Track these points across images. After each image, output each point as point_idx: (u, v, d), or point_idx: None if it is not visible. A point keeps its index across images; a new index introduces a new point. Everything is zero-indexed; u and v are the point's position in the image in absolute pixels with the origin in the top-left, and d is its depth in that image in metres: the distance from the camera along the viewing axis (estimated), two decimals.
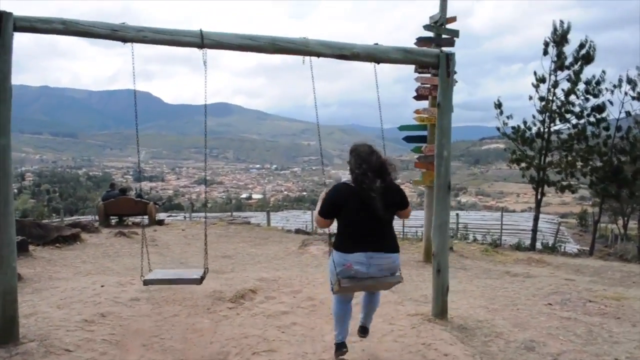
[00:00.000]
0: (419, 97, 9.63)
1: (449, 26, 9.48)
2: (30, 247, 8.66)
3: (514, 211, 49.64)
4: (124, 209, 14.34)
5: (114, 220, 14.82)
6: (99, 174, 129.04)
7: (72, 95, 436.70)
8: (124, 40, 4.37)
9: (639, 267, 10.66)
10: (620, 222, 24.93)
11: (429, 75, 9.43)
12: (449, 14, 9.46)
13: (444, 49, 6.73)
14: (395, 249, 3.87)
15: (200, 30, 4.46)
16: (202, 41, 4.46)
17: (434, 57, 5.08)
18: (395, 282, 3.94)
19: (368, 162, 3.79)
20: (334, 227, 3.93)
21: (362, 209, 3.70)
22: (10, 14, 4.11)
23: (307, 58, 4.78)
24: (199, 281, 4.74)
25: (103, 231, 11.76)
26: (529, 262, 10.53)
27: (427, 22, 9.64)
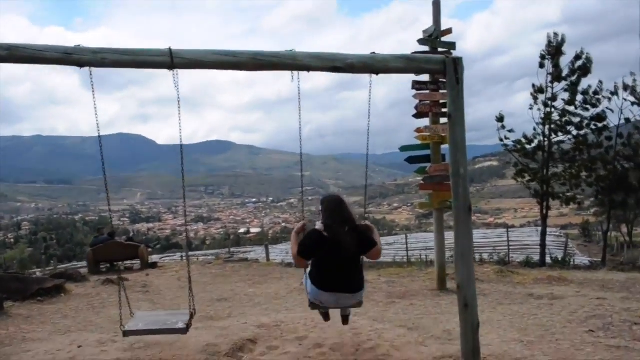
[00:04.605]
0: (419, 115, 9.11)
1: (444, 39, 8.98)
2: (8, 304, 7.93)
3: (513, 226, 48.97)
4: (114, 254, 13.54)
5: (104, 267, 14.05)
6: (95, 218, 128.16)
7: (64, 143, 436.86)
8: (80, 64, 3.75)
9: None
10: (625, 229, 24.52)
11: (427, 91, 8.95)
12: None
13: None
14: (360, 287, 4.35)
15: (170, 49, 3.86)
16: (171, 60, 3.85)
17: (439, 63, 4.48)
18: (357, 304, 4.44)
19: (335, 213, 4.28)
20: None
21: (331, 254, 4.14)
22: None
23: (295, 73, 4.19)
24: (185, 330, 4.35)
25: (91, 279, 11.00)
26: (550, 281, 9.90)
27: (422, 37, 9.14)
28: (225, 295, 9.07)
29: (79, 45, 3.72)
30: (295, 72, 4.16)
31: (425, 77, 9.00)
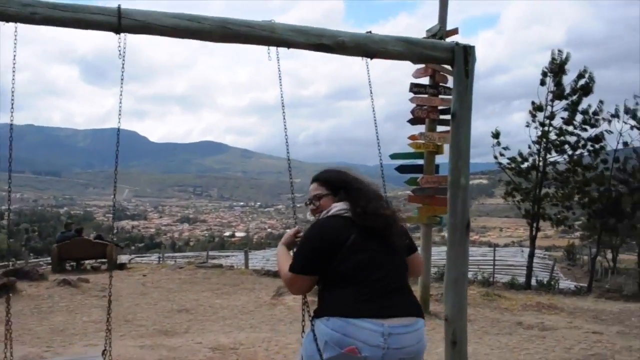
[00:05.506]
0: (414, 121, 8.49)
1: (449, 39, 8.33)
2: None
3: (497, 245, 48.86)
4: (81, 251, 12.81)
5: (70, 265, 13.24)
6: (80, 212, 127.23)
7: (56, 134, 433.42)
8: (4, 18, 3.03)
9: None
10: (609, 255, 24.38)
11: (426, 95, 8.32)
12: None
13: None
14: (420, 310, 2.38)
15: (119, 7, 3.13)
16: (119, 22, 3.12)
17: (446, 50, 3.77)
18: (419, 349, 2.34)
19: (364, 183, 2.55)
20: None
21: (372, 247, 2.30)
22: None
23: (272, 50, 3.47)
24: None
25: (50, 278, 10.18)
26: (539, 309, 9.39)
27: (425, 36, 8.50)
28: (187, 305, 8.32)
29: None
30: (273, 48, 3.44)
31: (425, 80, 8.43)
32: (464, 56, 3.67)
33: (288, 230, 2.71)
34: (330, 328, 2.15)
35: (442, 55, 3.78)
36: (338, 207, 2.41)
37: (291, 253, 2.51)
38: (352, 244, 2.26)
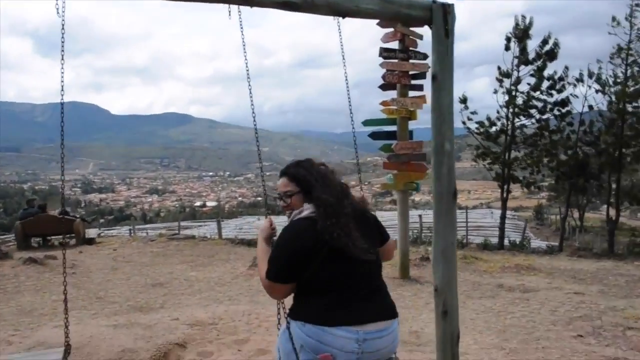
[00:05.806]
0: (385, 86, 8.26)
1: None
2: None
3: (466, 207, 49.74)
4: (47, 228, 12.40)
5: (36, 242, 12.86)
6: (45, 187, 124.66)
7: (13, 110, 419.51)
8: None
9: (632, 267, 10.21)
10: (576, 214, 24.94)
11: (396, 60, 8.12)
12: None
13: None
14: (395, 311, 2.39)
15: None
16: None
17: (424, 9, 3.56)
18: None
19: (330, 181, 2.46)
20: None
21: (340, 252, 2.25)
22: None
23: (234, 8, 3.20)
24: None
25: (15, 257, 9.80)
26: (518, 270, 9.43)
27: None
28: (161, 279, 8.11)
29: None
30: (234, 7, 3.18)
31: (394, 45, 8.21)
32: (443, 15, 3.45)
33: (264, 222, 2.61)
34: (306, 334, 2.18)
35: (419, 13, 3.55)
36: (311, 208, 2.34)
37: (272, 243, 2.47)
38: (328, 250, 2.22)
